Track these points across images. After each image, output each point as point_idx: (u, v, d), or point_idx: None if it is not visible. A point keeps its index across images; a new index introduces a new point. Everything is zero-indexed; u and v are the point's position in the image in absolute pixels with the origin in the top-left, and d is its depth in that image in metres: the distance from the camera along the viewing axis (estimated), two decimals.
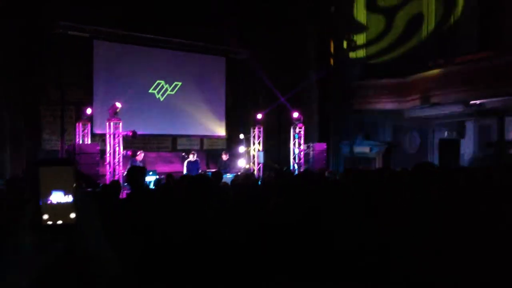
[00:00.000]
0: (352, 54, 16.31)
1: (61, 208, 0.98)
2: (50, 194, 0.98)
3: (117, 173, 11.69)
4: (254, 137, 15.34)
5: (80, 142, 12.29)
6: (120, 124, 11.75)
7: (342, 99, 15.88)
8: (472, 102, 12.59)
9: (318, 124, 15.82)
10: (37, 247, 0.96)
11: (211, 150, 16.05)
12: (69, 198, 0.99)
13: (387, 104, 15.23)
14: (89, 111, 12.41)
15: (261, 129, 15.34)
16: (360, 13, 16.49)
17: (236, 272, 2.08)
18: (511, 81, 11.34)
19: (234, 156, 14.89)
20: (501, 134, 13.34)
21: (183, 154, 13.63)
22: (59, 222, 0.98)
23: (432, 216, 2.54)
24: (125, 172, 10.98)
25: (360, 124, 16.28)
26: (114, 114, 11.66)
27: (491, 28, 13.30)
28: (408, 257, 2.32)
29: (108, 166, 11.77)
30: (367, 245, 2.50)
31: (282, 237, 2.49)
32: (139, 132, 12.28)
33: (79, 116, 12.73)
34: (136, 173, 4.25)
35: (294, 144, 14.63)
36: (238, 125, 16.34)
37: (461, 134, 14.23)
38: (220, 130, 16.27)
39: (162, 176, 10.19)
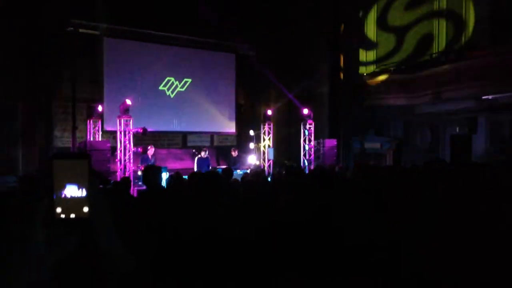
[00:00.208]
0: (362, 69, 16.36)
1: (75, 202, 0.98)
2: (64, 187, 0.98)
3: (128, 169, 11.76)
4: (264, 133, 15.35)
5: (91, 139, 12.39)
6: (131, 121, 11.82)
7: (353, 94, 15.81)
8: (484, 97, 12.44)
9: (329, 120, 15.76)
10: (50, 242, 0.96)
11: (222, 147, 16.08)
12: (83, 192, 0.99)
13: (398, 100, 15.11)
14: (100, 108, 12.51)
15: (271, 126, 15.33)
16: (370, 31, 16.53)
17: (246, 269, 2.09)
18: None
19: (244, 152, 14.90)
20: None
21: (194, 151, 13.68)
22: (72, 216, 0.98)
23: (439, 213, 2.53)
24: (141, 172, 11.16)
25: (370, 120, 16.18)
26: (124, 111, 11.72)
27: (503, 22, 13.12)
28: (418, 254, 2.31)
29: (119, 163, 11.84)
30: (377, 241, 2.49)
31: (292, 235, 2.50)
32: (150, 129, 12.34)
33: (90, 113, 12.83)
34: (151, 172, 4.25)
35: (304, 140, 14.61)
36: (248, 121, 16.35)
37: (473, 129, 14.09)
38: (230, 127, 16.28)
39: (172, 174, 10.23)
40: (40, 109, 12.39)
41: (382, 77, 15.36)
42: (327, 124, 15.68)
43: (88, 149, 11.14)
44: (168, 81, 14.74)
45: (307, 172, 10.42)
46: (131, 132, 11.85)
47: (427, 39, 15.25)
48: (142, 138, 12.71)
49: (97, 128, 12.73)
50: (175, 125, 14.91)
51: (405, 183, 4.26)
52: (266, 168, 14.49)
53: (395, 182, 4.47)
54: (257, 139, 15.49)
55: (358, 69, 16.44)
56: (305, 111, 14.26)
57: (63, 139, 12.93)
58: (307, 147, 14.55)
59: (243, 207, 3.76)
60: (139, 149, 11.93)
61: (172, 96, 14.85)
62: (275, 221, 2.83)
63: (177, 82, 14.90)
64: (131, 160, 11.82)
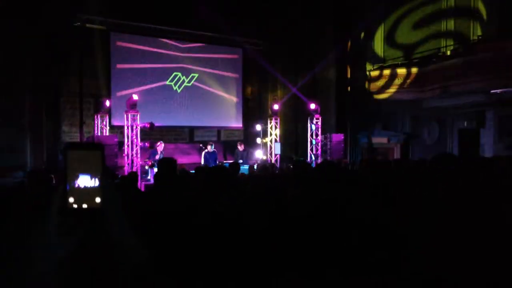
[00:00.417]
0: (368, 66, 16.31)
1: (87, 192, 0.98)
2: (77, 177, 0.98)
3: (135, 164, 11.80)
4: (271, 128, 15.34)
5: (99, 134, 12.44)
6: (138, 116, 11.84)
7: (360, 89, 15.76)
8: (492, 91, 12.34)
9: (336, 115, 15.73)
10: (61, 231, 0.97)
11: (228, 141, 16.10)
12: (95, 182, 0.99)
13: (406, 94, 15.04)
14: (107, 103, 12.56)
15: (278, 120, 15.32)
16: (378, 46, 16.46)
17: (249, 266, 2.09)
18: None
19: (251, 147, 14.91)
20: None
21: (201, 145, 13.71)
22: (85, 206, 0.98)
23: (447, 208, 2.52)
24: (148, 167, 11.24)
25: (378, 114, 16.13)
26: (131, 106, 11.75)
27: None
28: (420, 252, 2.30)
29: (126, 157, 11.88)
30: (384, 237, 2.49)
31: (298, 229, 2.50)
32: (157, 124, 12.36)
33: (98, 108, 12.89)
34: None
35: (312, 135, 14.60)
36: (255, 116, 16.35)
37: (481, 124, 13.99)
38: (237, 121, 16.30)
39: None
40: (48, 105, 12.46)
41: (388, 72, 15.28)
42: (334, 118, 15.66)
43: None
44: (175, 76, 14.76)
45: (314, 166, 10.42)
46: (138, 127, 11.88)
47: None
48: (149, 133, 12.75)
49: (104, 123, 12.79)
50: (182, 120, 14.95)
51: (413, 177, 4.25)
52: (273, 162, 14.48)
53: (403, 176, 4.46)
54: (264, 134, 15.50)
55: (365, 64, 16.35)
56: (312, 105, 14.22)
57: (70, 134, 13.00)
58: (314, 142, 14.53)
59: (250, 201, 3.77)
60: (146, 144, 11.97)
61: (179, 91, 14.87)
62: (282, 215, 2.83)
63: (184, 77, 14.92)
64: (138, 155, 11.86)
